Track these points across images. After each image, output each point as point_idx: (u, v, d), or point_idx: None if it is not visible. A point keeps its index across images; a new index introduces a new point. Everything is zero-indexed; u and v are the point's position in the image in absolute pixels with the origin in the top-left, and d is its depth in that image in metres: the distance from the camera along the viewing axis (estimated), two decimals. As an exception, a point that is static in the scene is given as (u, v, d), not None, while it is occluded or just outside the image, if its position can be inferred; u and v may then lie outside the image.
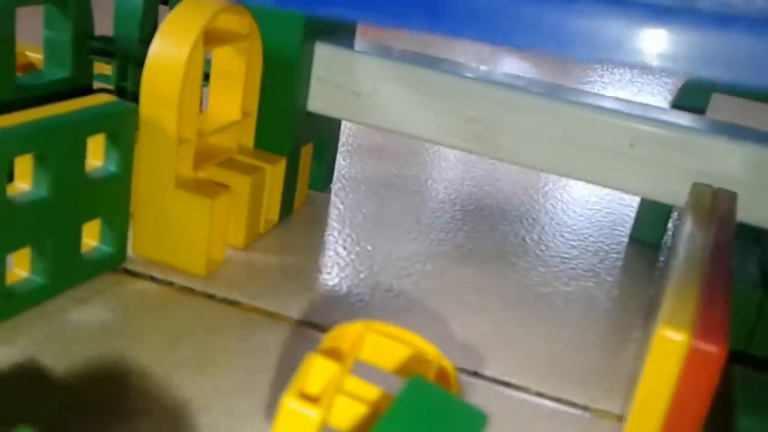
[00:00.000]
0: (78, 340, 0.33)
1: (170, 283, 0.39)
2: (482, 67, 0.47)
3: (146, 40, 0.52)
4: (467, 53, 1.12)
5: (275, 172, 0.45)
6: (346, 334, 0.23)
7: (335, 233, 0.47)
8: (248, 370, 0.33)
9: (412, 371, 0.23)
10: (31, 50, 0.52)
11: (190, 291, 0.38)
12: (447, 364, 0.23)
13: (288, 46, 0.44)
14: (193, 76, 0.39)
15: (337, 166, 0.56)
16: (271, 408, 0.31)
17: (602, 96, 0.44)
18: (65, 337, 0.33)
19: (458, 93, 0.43)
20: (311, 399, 0.19)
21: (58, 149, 0.34)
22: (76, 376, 0.31)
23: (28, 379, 0.30)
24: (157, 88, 0.38)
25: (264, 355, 0.34)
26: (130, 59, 0.48)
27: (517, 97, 0.42)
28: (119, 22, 0.52)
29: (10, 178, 0.33)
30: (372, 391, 0.21)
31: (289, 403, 0.19)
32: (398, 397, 0.18)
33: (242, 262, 0.42)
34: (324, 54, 0.45)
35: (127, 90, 0.48)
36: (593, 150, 0.41)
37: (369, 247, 0.46)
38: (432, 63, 0.45)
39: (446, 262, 0.46)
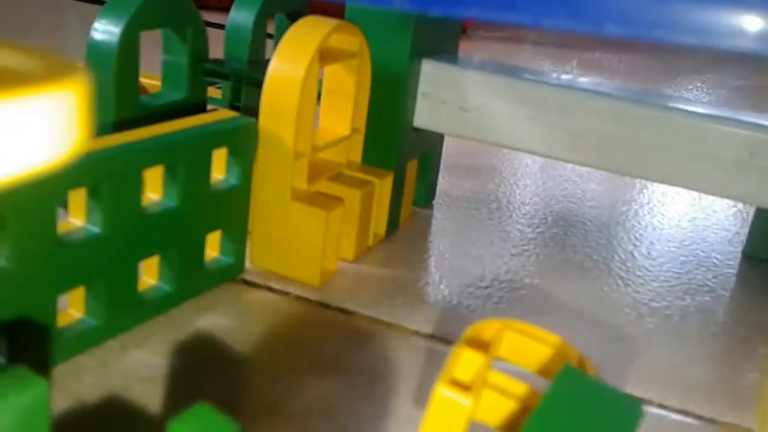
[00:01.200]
0: (205, 345, 0.34)
1: (286, 293, 0.40)
2: (588, 80, 0.47)
3: (255, 61, 0.54)
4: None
5: (383, 186, 0.46)
6: (484, 331, 0.23)
7: (441, 247, 0.47)
8: (369, 377, 0.34)
9: (552, 371, 0.23)
10: (143, 76, 0.55)
11: (306, 300, 0.39)
12: (590, 364, 0.23)
13: (396, 63, 0.45)
14: (309, 93, 0.40)
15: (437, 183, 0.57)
16: (394, 415, 0.31)
17: (713, 105, 0.43)
18: (192, 341, 0.34)
19: (567, 106, 0.43)
20: (463, 387, 0.19)
21: (186, 161, 0.35)
22: (204, 378, 0.32)
23: (160, 379, 0.31)
24: (276, 103, 0.39)
25: (382, 363, 0.35)
26: (242, 80, 0.50)
27: (628, 109, 0.42)
28: (230, 45, 0.54)
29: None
30: (518, 386, 0.21)
31: (443, 390, 0.19)
32: (552, 386, 0.18)
33: (353, 273, 0.43)
34: (430, 70, 0.46)
35: (240, 110, 0.50)
36: (711, 160, 0.40)
37: (476, 261, 0.46)
38: (539, 77, 0.45)
39: (555, 277, 0.45)
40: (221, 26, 0.55)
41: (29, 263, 0.29)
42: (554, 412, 0.18)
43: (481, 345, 0.22)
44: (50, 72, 0.11)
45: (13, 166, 0.10)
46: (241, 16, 0.54)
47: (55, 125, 0.10)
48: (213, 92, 0.53)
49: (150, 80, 0.54)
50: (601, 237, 0.52)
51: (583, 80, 0.46)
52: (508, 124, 0.44)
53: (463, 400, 0.19)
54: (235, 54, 0.54)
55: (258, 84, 0.49)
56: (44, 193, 0.29)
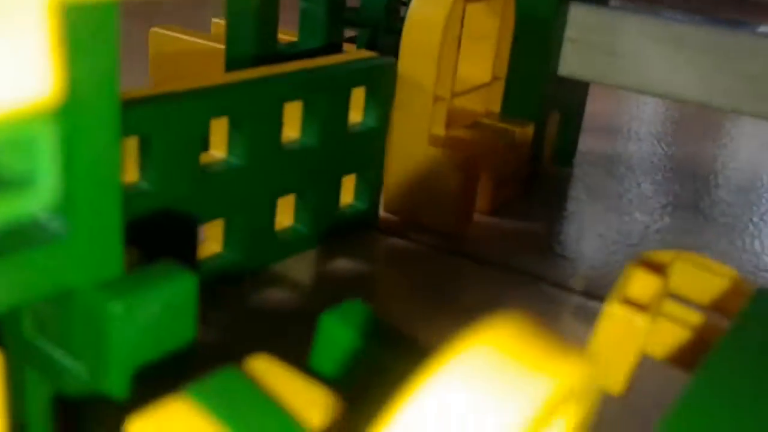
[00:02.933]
0: (338, 287, 0.34)
1: (420, 241, 0.38)
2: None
3: (392, 10, 0.53)
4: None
5: (523, 137, 0.43)
6: (657, 258, 0.21)
7: (583, 204, 0.45)
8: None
9: (727, 305, 0.20)
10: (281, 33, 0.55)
11: (441, 249, 0.38)
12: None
13: (542, 6, 0.42)
14: (451, 34, 0.38)
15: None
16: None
17: None
18: (325, 282, 0.34)
19: (734, 49, 0.39)
20: (638, 306, 0.17)
21: (325, 97, 0.34)
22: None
23: (295, 314, 0.31)
24: (417, 43, 0.38)
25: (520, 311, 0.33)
26: (379, 28, 0.49)
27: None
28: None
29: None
30: (694, 317, 0.19)
31: (615, 308, 0.17)
32: (743, 312, 0.16)
33: (490, 225, 0.41)
34: (579, 14, 0.43)
35: (376, 57, 0.49)
36: None
37: (620, 220, 0.43)
38: (697, 19, 0.41)
39: (713, 236, 0.42)
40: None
41: (172, 189, 0.29)
42: (741, 343, 0.16)
43: (655, 270, 0.20)
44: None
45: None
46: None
47: None
48: (348, 47, 0.52)
49: (285, 36, 0.54)
50: (754, 197, 0.47)
51: (748, 22, 0.42)
52: (664, 70, 0.41)
53: (639, 318, 0.17)
54: (372, 2, 0.53)
55: (395, 32, 0.48)
56: (189, 117, 0.29)
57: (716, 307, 0.20)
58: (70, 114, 0.11)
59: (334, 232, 0.37)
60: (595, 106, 0.59)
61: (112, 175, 0.14)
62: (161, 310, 0.16)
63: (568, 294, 0.35)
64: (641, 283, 0.18)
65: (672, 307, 0.19)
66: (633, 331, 0.16)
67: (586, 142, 0.53)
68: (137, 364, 0.16)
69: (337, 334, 0.14)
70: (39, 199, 0.09)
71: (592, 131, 0.58)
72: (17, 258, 0.13)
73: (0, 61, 0.08)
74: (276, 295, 0.32)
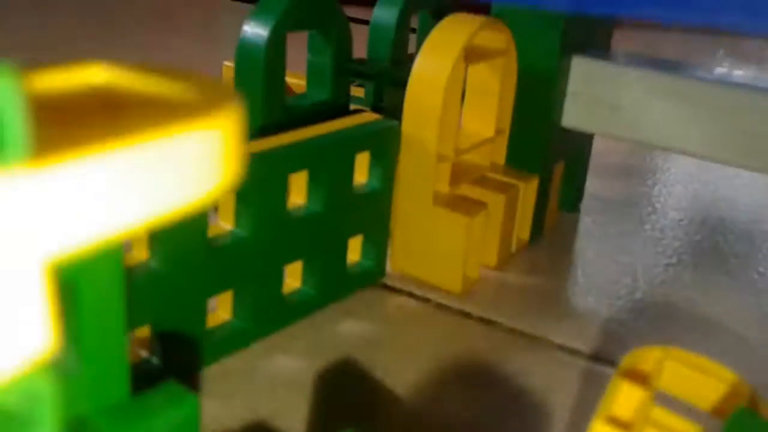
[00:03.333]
0: (346, 351, 0.34)
1: (427, 300, 0.39)
2: (748, 74, 0.43)
3: (398, 61, 0.53)
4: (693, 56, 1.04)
5: (528, 190, 0.44)
6: (643, 359, 0.21)
7: (589, 254, 0.45)
8: (514, 391, 0.32)
9: (719, 406, 0.21)
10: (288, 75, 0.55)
11: (447, 308, 0.38)
12: (764, 402, 0.21)
13: (544, 61, 0.43)
14: (453, 94, 0.39)
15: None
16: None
17: None
18: (335, 347, 0.34)
19: (734, 105, 0.39)
20: (622, 425, 0.17)
21: (330, 166, 0.35)
22: (345, 385, 0.32)
23: (303, 384, 0.32)
24: (420, 105, 0.38)
25: (527, 378, 0.33)
26: (385, 80, 0.49)
27: (806, 108, 0.38)
28: (373, 45, 0.54)
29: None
30: (683, 425, 0.19)
31: (600, 429, 0.17)
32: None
33: (496, 281, 0.41)
34: (581, 68, 0.43)
35: (383, 110, 0.50)
36: None
37: (627, 271, 0.43)
38: (701, 73, 0.42)
39: (715, 290, 0.42)
40: (365, 22, 0.55)
41: (181, 265, 0.30)
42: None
43: (641, 376, 0.20)
44: (205, 101, 0.10)
45: (166, 202, 0.09)
46: (384, 15, 0.54)
47: (207, 159, 0.10)
48: (356, 91, 0.53)
49: (294, 80, 0.55)
50: (765, 245, 0.48)
51: (749, 76, 0.42)
52: (666, 124, 0.41)
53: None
54: (379, 53, 0.53)
55: (401, 84, 0.48)
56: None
57: (712, 411, 0.20)
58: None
59: (341, 291, 0.38)
60: (602, 145, 0.59)
61: (118, 327, 0.14)
62: (166, 437, 0.17)
63: (575, 357, 0.35)
64: (626, 397, 0.18)
65: (661, 415, 0.19)
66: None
67: (593, 184, 0.54)
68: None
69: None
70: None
71: (600, 171, 0.58)
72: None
73: (6, 328, 0.08)
74: (285, 363, 0.33)
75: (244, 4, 1.15)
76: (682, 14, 0.23)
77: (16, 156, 0.08)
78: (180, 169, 0.09)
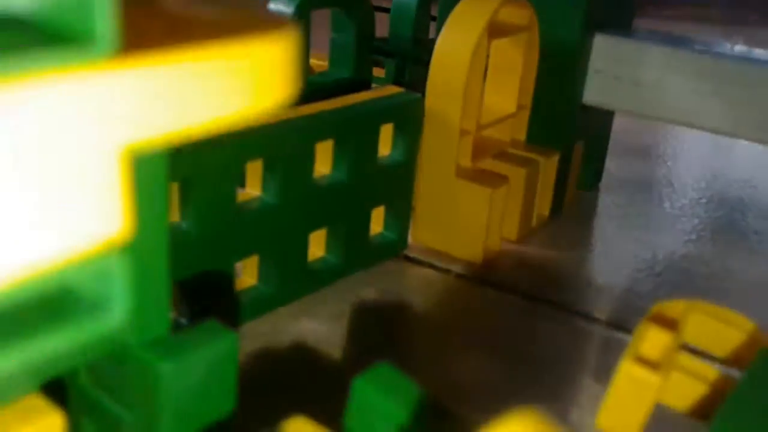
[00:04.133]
0: (369, 317, 0.35)
1: (448, 271, 0.39)
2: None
3: (420, 39, 0.54)
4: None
5: (549, 166, 0.44)
6: (669, 310, 0.22)
7: (608, 231, 0.45)
8: (538, 359, 0.33)
9: (742, 357, 0.21)
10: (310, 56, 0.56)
11: (468, 279, 0.39)
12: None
13: (566, 38, 0.43)
14: (476, 69, 0.39)
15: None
16: (561, 399, 0.30)
17: None
18: (358, 314, 0.35)
19: (756, 81, 0.39)
20: (650, 364, 0.18)
21: (355, 136, 0.36)
22: (368, 350, 0.32)
23: (328, 347, 0.32)
24: (443, 79, 0.39)
25: (547, 344, 0.34)
26: (407, 58, 0.50)
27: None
28: (394, 23, 0.54)
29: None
30: (708, 370, 0.20)
31: (628, 367, 0.18)
32: (748, 370, 0.17)
33: (517, 253, 0.42)
34: (604, 45, 0.44)
35: (405, 87, 0.50)
36: None
37: (646, 247, 0.44)
38: (723, 50, 0.42)
39: (736, 265, 0.42)
40: (386, 9, 0.55)
41: (210, 228, 0.30)
42: (751, 399, 0.17)
43: (667, 324, 0.21)
44: (259, 25, 0.11)
45: (229, 109, 0.10)
46: (406, -6, 0.54)
47: (266, 74, 0.10)
48: (377, 72, 0.53)
49: (317, 60, 0.55)
50: (788, 225, 0.48)
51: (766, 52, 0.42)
52: (689, 101, 0.41)
53: (651, 376, 0.17)
54: (400, 32, 0.54)
55: (422, 62, 0.49)
56: (226, 161, 0.30)
57: (733, 360, 0.20)
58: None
59: (364, 261, 0.39)
60: (622, 125, 0.59)
61: (162, 248, 0.15)
62: (207, 369, 0.17)
63: (595, 325, 0.35)
64: (654, 340, 0.19)
65: (686, 360, 0.20)
66: (646, 389, 0.17)
67: (612, 163, 0.54)
68: (187, 421, 0.17)
69: (371, 401, 0.15)
70: (116, 321, 0.10)
71: (619, 151, 0.58)
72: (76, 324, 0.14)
73: (81, 207, 0.09)
74: (310, 326, 0.33)
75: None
76: None
77: (106, 50, 0.09)
78: (242, 80, 0.10)
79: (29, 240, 0.09)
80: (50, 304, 0.10)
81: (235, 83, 0.10)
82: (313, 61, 0.57)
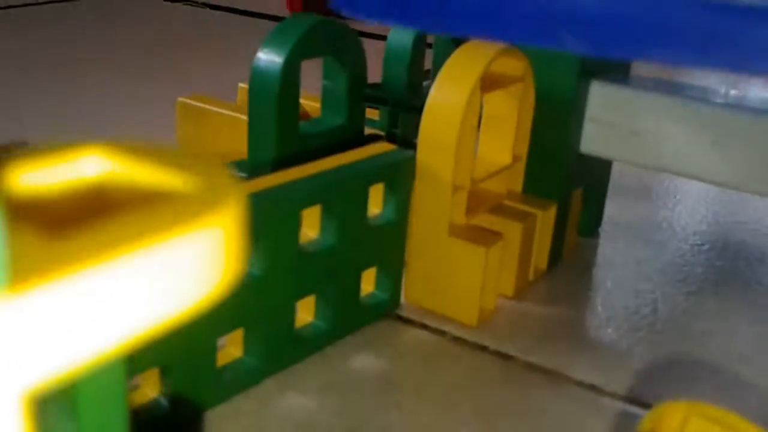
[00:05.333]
0: (359, 389, 0.34)
1: (442, 333, 0.38)
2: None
3: (414, 85, 0.53)
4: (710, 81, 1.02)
5: (546, 218, 0.43)
6: (667, 416, 0.21)
7: (608, 283, 0.44)
8: (529, 430, 0.31)
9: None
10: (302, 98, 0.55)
11: (463, 342, 0.38)
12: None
13: (562, 87, 0.42)
14: (469, 123, 0.38)
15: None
16: (557, 478, 0.29)
17: None
18: (347, 384, 0.34)
19: (754, 131, 0.38)
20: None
21: (343, 199, 0.35)
22: (358, 425, 0.31)
23: (314, 425, 0.31)
24: (435, 134, 0.38)
25: (544, 417, 0.32)
26: (400, 106, 0.49)
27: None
28: (388, 68, 0.53)
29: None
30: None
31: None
32: None
33: (513, 311, 0.40)
34: (600, 93, 0.43)
35: (398, 135, 0.49)
36: None
37: (647, 300, 0.42)
38: (721, 98, 0.41)
39: (739, 321, 0.41)
40: (382, 38, 0.54)
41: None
42: None
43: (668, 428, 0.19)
44: (204, 200, 0.10)
45: (167, 305, 0.09)
46: (399, 38, 0.53)
47: (207, 261, 0.09)
48: (371, 113, 0.52)
49: (309, 102, 0.54)
50: (794, 274, 0.46)
51: (764, 99, 0.41)
52: (687, 151, 0.40)
53: None
54: (394, 76, 0.53)
55: (416, 110, 0.48)
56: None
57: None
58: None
59: (354, 323, 0.37)
60: (621, 167, 0.58)
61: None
62: None
63: (593, 393, 0.34)
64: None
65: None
66: None
67: (612, 206, 0.53)
68: None
69: None
70: None
71: (619, 193, 0.57)
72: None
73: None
74: (297, 402, 0.32)
75: (264, 23, 1.15)
76: (709, 61, 0.22)
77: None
78: (175, 274, 0.09)
79: None
80: None
81: (158, 285, 0.09)
82: (305, 102, 0.56)
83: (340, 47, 0.47)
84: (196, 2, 1.25)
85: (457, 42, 0.54)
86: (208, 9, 1.22)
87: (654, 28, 0.22)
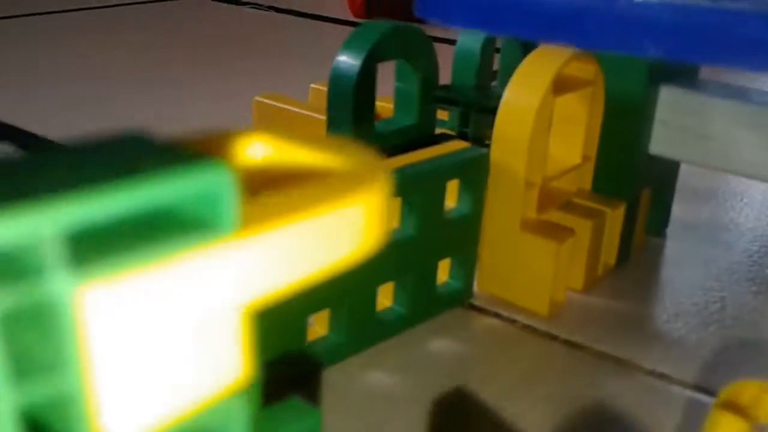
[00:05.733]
0: (435, 369, 0.35)
1: (514, 321, 0.40)
2: None
3: (482, 87, 0.55)
4: None
5: (615, 216, 0.44)
6: (740, 393, 0.22)
7: (676, 281, 0.45)
8: (600, 417, 0.33)
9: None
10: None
11: (533, 330, 0.39)
12: None
13: (632, 90, 0.44)
14: (542, 124, 0.40)
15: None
16: (628, 459, 0.30)
17: None
18: (423, 365, 0.36)
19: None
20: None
21: (422, 193, 0.37)
22: (436, 401, 0.33)
23: (396, 398, 0.33)
24: (509, 134, 0.39)
25: (614, 403, 0.34)
26: (471, 107, 0.51)
27: None
28: (458, 71, 0.55)
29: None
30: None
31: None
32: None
33: (582, 304, 0.42)
34: (669, 97, 0.44)
35: (469, 135, 0.51)
36: None
37: (716, 298, 0.43)
38: (793, 101, 0.41)
39: (807, 319, 0.41)
40: (445, 40, 0.57)
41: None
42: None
43: (740, 409, 0.21)
44: (360, 175, 0.12)
45: (327, 262, 0.11)
46: (469, 42, 0.55)
47: (353, 230, 0.12)
48: (441, 114, 0.54)
49: (382, 103, 0.57)
50: None
51: None
52: (756, 155, 0.41)
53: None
54: (464, 78, 0.55)
55: (486, 111, 0.50)
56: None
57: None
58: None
59: (430, 311, 0.39)
60: (689, 168, 0.59)
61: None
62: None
63: (663, 382, 0.35)
64: (728, 428, 0.19)
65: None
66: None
67: (679, 207, 0.54)
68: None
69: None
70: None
71: (687, 195, 0.58)
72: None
73: (211, 360, 0.10)
74: (379, 378, 0.34)
75: (326, 26, 1.18)
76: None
77: (230, 229, 0.10)
78: (339, 234, 0.11)
79: (175, 392, 0.10)
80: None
81: (334, 237, 0.11)
82: (378, 104, 0.58)
83: (412, 51, 0.49)
84: (261, 6, 1.30)
85: (525, 46, 0.56)
86: (273, 12, 1.26)
87: (729, 36, 0.24)
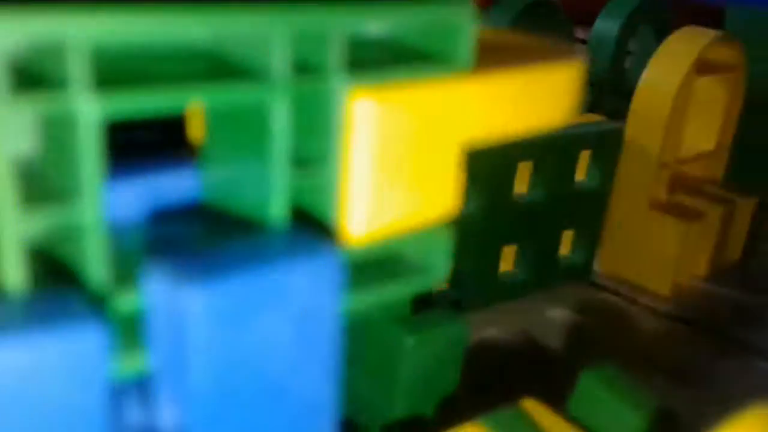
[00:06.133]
0: (554, 336, 0.36)
1: (634, 300, 0.40)
2: None
3: (618, 70, 0.55)
4: None
5: (745, 206, 0.43)
6: None
7: (805, 278, 0.44)
8: (717, 394, 0.33)
9: None
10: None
11: (655, 310, 0.39)
12: None
13: (777, 78, 0.43)
14: (681, 104, 0.39)
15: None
16: None
17: None
18: (542, 331, 0.36)
19: None
20: None
21: (553, 159, 0.37)
22: (553, 363, 0.34)
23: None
24: (646, 112, 0.39)
25: (734, 386, 0.33)
26: (605, 87, 0.51)
27: None
28: (594, 52, 0.55)
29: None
30: None
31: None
32: None
33: (706, 290, 0.41)
34: (816, 88, 0.43)
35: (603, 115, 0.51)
36: None
37: None
38: None
39: None
40: (583, 41, 0.57)
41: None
42: None
43: None
44: (558, 54, 0.13)
45: (538, 122, 0.12)
46: (606, 26, 0.55)
47: (560, 96, 0.13)
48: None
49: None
50: None
51: None
52: None
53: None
54: (599, 62, 0.55)
55: (620, 92, 0.50)
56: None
57: None
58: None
59: (551, 280, 0.40)
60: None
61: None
62: (442, 348, 0.20)
63: (785, 370, 0.35)
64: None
65: None
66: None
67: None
68: (418, 394, 0.20)
69: (597, 393, 0.17)
70: (434, 280, 0.13)
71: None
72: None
73: (435, 185, 0.12)
74: (494, 335, 0.35)
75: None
76: None
77: (466, 67, 0.11)
78: (551, 97, 0.12)
79: (405, 206, 0.11)
80: (385, 264, 0.12)
81: (545, 100, 0.12)
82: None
83: (548, 30, 0.49)
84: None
85: (659, 32, 0.55)
86: None
87: None
